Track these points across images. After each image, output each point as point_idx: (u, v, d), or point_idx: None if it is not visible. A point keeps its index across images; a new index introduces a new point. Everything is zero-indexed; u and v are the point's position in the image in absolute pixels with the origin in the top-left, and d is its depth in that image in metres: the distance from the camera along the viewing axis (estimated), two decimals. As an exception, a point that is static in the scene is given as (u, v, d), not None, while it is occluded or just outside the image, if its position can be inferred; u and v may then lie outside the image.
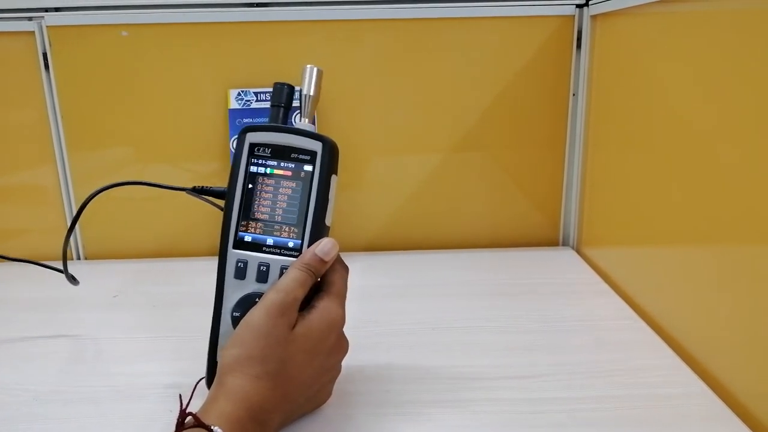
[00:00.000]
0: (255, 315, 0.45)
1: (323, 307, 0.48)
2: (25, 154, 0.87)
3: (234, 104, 0.84)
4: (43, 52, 0.83)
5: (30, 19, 0.82)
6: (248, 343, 0.44)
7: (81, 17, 0.82)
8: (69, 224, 0.88)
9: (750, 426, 0.48)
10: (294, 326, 0.46)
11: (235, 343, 0.45)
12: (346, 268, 0.51)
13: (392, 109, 0.87)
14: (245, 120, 0.85)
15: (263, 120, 0.84)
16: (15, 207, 0.89)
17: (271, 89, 0.84)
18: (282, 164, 0.50)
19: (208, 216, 0.89)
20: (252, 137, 0.50)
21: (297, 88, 0.52)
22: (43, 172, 0.87)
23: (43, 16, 0.82)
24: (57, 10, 0.83)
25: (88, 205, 0.54)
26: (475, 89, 0.86)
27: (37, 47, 0.83)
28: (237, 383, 0.43)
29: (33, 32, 0.82)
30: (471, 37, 0.84)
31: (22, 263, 0.66)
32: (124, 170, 0.88)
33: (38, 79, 0.84)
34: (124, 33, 0.82)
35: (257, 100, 0.84)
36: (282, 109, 0.52)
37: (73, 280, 0.62)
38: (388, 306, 0.71)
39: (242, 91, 0.84)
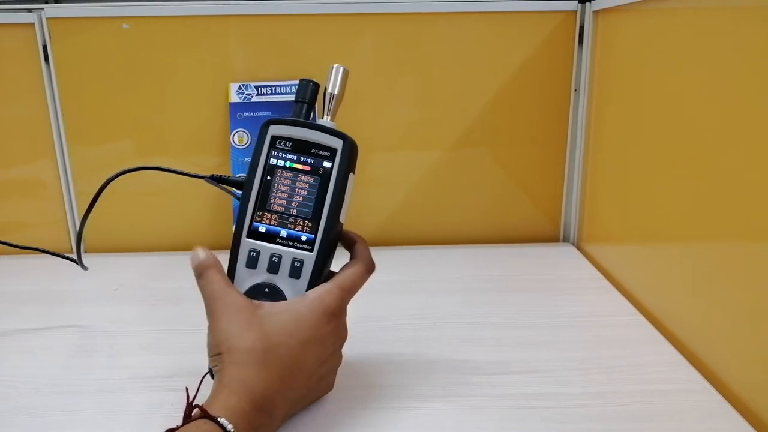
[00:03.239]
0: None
1: (314, 297, 0.48)
2: (24, 147, 0.87)
3: (234, 98, 0.84)
4: (43, 44, 0.83)
5: (30, 11, 0.82)
6: (233, 335, 0.45)
7: (81, 9, 0.82)
8: (71, 217, 0.88)
9: (750, 422, 0.48)
10: (264, 308, 0.47)
11: (221, 336, 0.46)
12: (365, 265, 0.51)
13: (392, 105, 0.87)
14: (246, 114, 0.84)
15: (264, 114, 0.84)
16: (14, 200, 0.89)
17: (271, 83, 0.85)
18: (301, 159, 0.50)
19: (210, 211, 0.89)
20: (274, 130, 0.51)
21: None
22: (42, 165, 0.87)
23: (43, 8, 0.81)
24: (57, 1, 0.83)
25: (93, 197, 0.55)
26: (476, 84, 0.86)
27: (37, 40, 0.82)
28: (235, 375, 0.44)
29: (33, 24, 0.82)
30: (472, 32, 0.84)
31: (23, 256, 0.66)
32: (124, 164, 0.86)
33: (38, 72, 0.83)
34: (125, 26, 0.82)
35: (258, 94, 0.84)
36: (305, 106, 0.53)
37: (82, 265, 0.62)
38: (388, 301, 0.71)
39: (243, 85, 0.84)
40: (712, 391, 0.53)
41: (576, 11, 0.83)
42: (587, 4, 0.83)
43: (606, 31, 0.79)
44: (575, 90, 0.86)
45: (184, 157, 0.87)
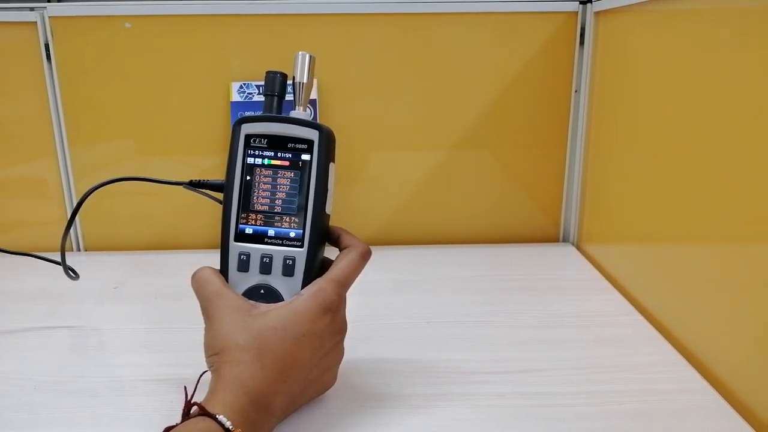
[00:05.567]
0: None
1: (308, 294, 0.47)
2: (26, 146, 0.87)
3: (236, 97, 0.84)
4: (45, 43, 0.83)
5: (32, 9, 0.82)
6: (227, 334, 0.46)
7: (84, 8, 0.82)
8: (69, 218, 0.88)
9: (748, 422, 0.49)
10: (261, 309, 0.47)
11: (217, 336, 0.46)
12: (359, 252, 0.50)
13: (393, 105, 0.87)
14: (247, 113, 0.84)
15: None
16: (16, 199, 0.89)
17: (273, 82, 0.85)
18: (279, 154, 0.50)
19: (208, 208, 0.89)
20: (247, 128, 0.50)
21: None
22: (43, 164, 0.87)
23: (45, 7, 0.82)
24: (59, 0, 0.83)
25: (87, 199, 0.55)
26: (477, 85, 0.86)
27: (39, 38, 0.83)
28: (230, 372, 0.44)
29: (35, 23, 0.82)
30: (473, 33, 0.84)
31: (23, 256, 0.66)
32: (125, 163, 0.88)
33: (40, 71, 0.84)
34: (128, 24, 0.82)
35: (259, 93, 0.84)
36: (276, 98, 0.52)
37: (71, 274, 0.62)
38: (387, 300, 0.71)
39: (244, 84, 0.84)
40: (711, 390, 0.53)
41: (577, 12, 0.84)
42: (588, 5, 0.83)
43: (607, 33, 0.80)
44: (576, 91, 0.86)
45: (185, 156, 0.87)
